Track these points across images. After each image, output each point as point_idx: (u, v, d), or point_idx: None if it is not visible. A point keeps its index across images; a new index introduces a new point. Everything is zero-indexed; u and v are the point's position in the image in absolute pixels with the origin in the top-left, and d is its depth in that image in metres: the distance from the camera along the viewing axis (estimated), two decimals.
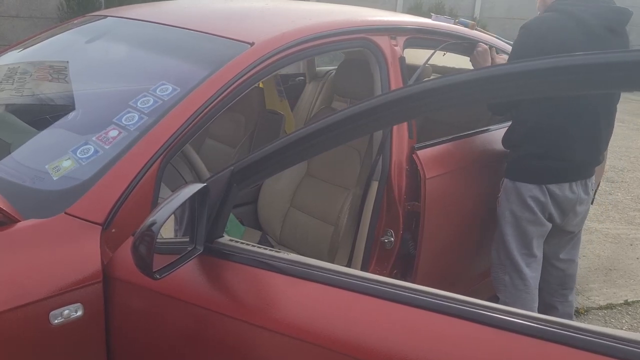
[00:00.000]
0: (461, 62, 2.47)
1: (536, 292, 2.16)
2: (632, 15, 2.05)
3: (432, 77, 2.38)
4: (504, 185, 2.12)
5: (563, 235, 2.22)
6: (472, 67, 2.33)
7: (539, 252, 2.14)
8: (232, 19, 1.93)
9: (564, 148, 2.04)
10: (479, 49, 2.33)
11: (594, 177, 2.18)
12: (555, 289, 2.31)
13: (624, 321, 2.89)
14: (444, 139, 2.16)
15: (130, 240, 1.15)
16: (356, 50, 2.04)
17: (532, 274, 2.13)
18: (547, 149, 2.04)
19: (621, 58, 0.86)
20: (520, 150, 2.09)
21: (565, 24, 1.99)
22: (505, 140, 2.18)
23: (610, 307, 3.02)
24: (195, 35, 1.77)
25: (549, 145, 2.04)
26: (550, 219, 2.11)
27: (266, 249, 1.16)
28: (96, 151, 1.39)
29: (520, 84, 0.96)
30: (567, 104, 1.99)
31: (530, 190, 2.05)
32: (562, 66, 0.90)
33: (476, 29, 2.49)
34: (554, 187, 2.05)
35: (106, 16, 2.15)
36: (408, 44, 2.08)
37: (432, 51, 2.18)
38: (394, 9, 9.88)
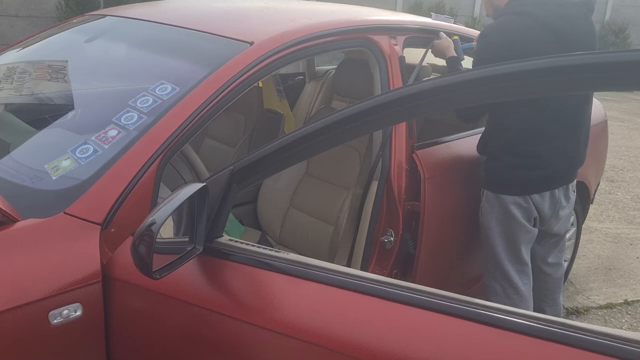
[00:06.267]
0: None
1: (530, 298, 2.13)
2: (595, 3, 1.98)
3: (431, 77, 2.38)
4: (485, 196, 2.06)
5: (549, 238, 2.20)
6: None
7: (527, 258, 2.11)
8: (232, 19, 1.93)
9: (544, 156, 1.97)
10: (438, 40, 2.18)
11: (575, 181, 2.13)
12: (544, 293, 2.29)
13: (623, 320, 2.89)
14: (443, 138, 2.16)
15: (130, 240, 1.15)
16: (356, 50, 2.04)
17: (524, 281, 2.09)
18: (527, 159, 1.97)
19: (619, 58, 0.86)
20: (499, 160, 2.01)
21: (530, 27, 1.89)
22: (481, 148, 2.09)
23: (610, 306, 3.02)
24: (195, 34, 1.77)
25: (528, 154, 1.97)
26: (534, 224, 2.07)
27: (266, 248, 1.16)
28: (95, 151, 1.39)
29: (521, 83, 0.96)
30: (544, 108, 1.92)
31: (514, 199, 2.00)
32: (566, 65, 0.90)
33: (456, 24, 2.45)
34: (535, 196, 2.00)
35: (105, 15, 2.15)
36: (408, 44, 2.08)
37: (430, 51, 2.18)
38: (393, 8, 9.89)
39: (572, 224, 2.95)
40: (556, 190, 2.03)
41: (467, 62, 2.24)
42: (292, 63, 1.72)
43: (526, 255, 2.10)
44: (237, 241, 1.17)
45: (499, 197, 2.01)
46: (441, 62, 2.32)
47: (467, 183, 2.18)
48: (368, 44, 1.94)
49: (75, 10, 6.79)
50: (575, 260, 3.22)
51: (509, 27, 1.91)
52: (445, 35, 2.18)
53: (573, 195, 2.15)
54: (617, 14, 12.27)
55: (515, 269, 2.07)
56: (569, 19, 1.91)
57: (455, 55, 2.14)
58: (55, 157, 1.41)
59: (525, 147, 1.96)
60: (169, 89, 1.51)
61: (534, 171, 1.97)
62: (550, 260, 2.26)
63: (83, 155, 1.39)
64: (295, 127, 2.96)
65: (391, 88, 1.95)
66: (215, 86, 1.48)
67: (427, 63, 2.32)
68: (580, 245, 3.22)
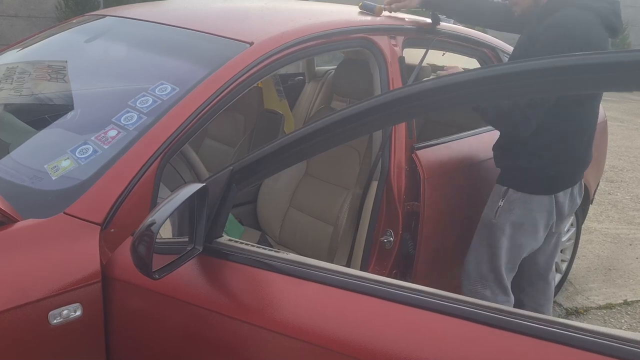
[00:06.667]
0: (461, 61, 2.47)
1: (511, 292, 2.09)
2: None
3: (431, 77, 2.38)
4: (508, 196, 1.97)
5: (550, 238, 2.14)
6: (475, 66, 2.32)
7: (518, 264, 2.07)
8: (232, 19, 1.93)
9: (569, 151, 1.96)
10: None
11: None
12: (535, 307, 2.25)
13: (623, 321, 2.89)
14: (443, 139, 2.16)
15: (130, 240, 1.15)
16: (355, 50, 2.04)
17: (509, 277, 2.05)
18: (556, 156, 1.93)
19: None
20: (528, 159, 1.94)
21: (594, 23, 1.85)
22: (502, 147, 2.02)
23: (609, 306, 3.02)
24: (195, 34, 1.77)
25: (558, 151, 1.93)
26: (551, 229, 2.03)
27: (265, 248, 1.16)
28: (95, 151, 1.39)
29: (523, 84, 0.96)
30: (568, 103, 1.88)
31: (542, 201, 1.95)
32: (568, 66, 0.90)
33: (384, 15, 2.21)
34: (560, 195, 1.97)
35: (105, 15, 2.15)
36: (407, 44, 2.08)
37: (432, 51, 2.17)
38: None
39: (571, 224, 2.95)
40: (574, 188, 2.04)
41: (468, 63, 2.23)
42: (292, 63, 1.72)
43: (518, 262, 2.06)
44: (236, 241, 1.17)
45: (525, 198, 1.95)
46: (441, 62, 2.32)
47: (467, 183, 2.18)
48: (368, 44, 1.94)
49: (75, 11, 6.78)
50: (575, 260, 3.22)
51: (580, 20, 1.83)
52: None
53: (582, 194, 2.14)
54: None
55: (508, 275, 2.03)
56: (619, 17, 1.90)
57: None
58: (55, 157, 1.41)
59: (555, 143, 1.92)
60: (169, 89, 1.51)
61: (563, 167, 1.96)
62: (553, 267, 2.23)
63: (83, 156, 1.39)
64: (295, 127, 2.96)
65: (391, 88, 1.95)
66: (215, 86, 1.48)
67: (427, 63, 2.32)
68: (579, 245, 3.22)
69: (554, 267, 2.28)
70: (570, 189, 2.01)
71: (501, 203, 1.98)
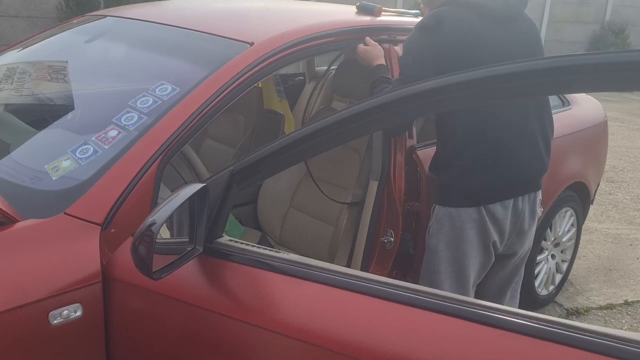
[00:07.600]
0: None
1: None
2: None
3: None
4: (435, 212, 1.81)
5: (506, 260, 1.95)
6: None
7: (473, 290, 1.88)
8: (232, 19, 1.93)
9: (501, 158, 1.75)
10: (363, 46, 1.92)
11: (540, 194, 1.92)
12: None
13: (624, 321, 2.89)
14: None
15: (130, 240, 1.15)
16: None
17: None
18: (482, 163, 1.74)
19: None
20: (451, 169, 1.78)
21: (470, 17, 1.72)
22: (433, 166, 1.87)
23: (610, 307, 3.01)
24: (195, 35, 1.77)
25: (484, 157, 1.74)
26: (494, 247, 1.84)
27: (266, 249, 1.16)
28: (95, 151, 1.39)
29: (523, 83, 0.96)
30: (496, 110, 1.74)
31: (469, 215, 1.75)
32: (567, 66, 0.90)
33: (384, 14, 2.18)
34: (496, 207, 1.77)
35: (105, 16, 2.15)
36: None
37: None
38: (393, 8, 9.87)
39: (572, 224, 2.95)
40: (520, 200, 1.83)
41: None
42: (292, 63, 1.72)
43: (473, 289, 1.87)
44: (237, 241, 1.17)
45: (450, 213, 1.77)
46: None
47: None
48: None
49: (75, 11, 6.78)
50: (576, 260, 3.22)
51: (455, 19, 1.71)
52: (373, 42, 1.93)
53: (540, 211, 1.93)
54: (617, 14, 12.26)
55: None
56: (506, 4, 1.74)
57: (384, 64, 1.91)
58: (55, 158, 1.41)
59: (479, 150, 1.74)
60: (169, 89, 1.51)
61: (491, 176, 1.76)
62: (508, 296, 2.03)
63: (83, 156, 1.39)
64: (295, 127, 2.96)
65: None
66: (215, 86, 1.48)
67: None
68: (580, 245, 3.22)
69: (514, 296, 2.06)
70: (511, 200, 1.80)
71: (431, 222, 1.84)
